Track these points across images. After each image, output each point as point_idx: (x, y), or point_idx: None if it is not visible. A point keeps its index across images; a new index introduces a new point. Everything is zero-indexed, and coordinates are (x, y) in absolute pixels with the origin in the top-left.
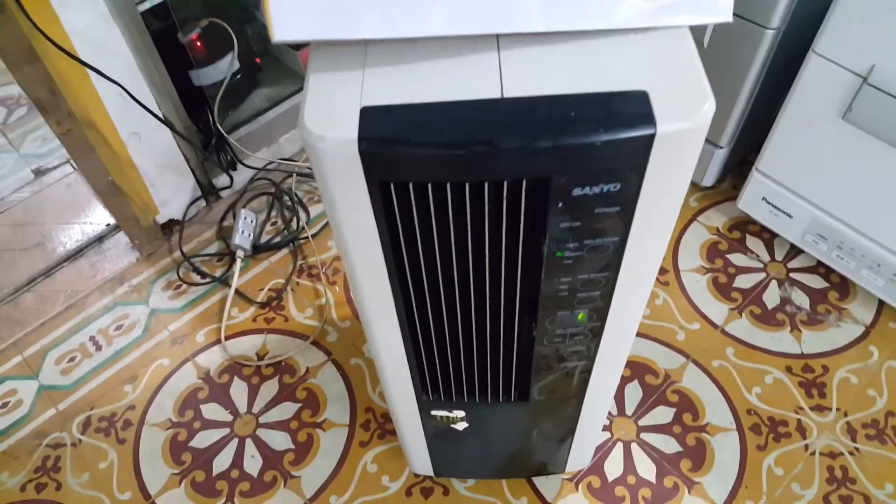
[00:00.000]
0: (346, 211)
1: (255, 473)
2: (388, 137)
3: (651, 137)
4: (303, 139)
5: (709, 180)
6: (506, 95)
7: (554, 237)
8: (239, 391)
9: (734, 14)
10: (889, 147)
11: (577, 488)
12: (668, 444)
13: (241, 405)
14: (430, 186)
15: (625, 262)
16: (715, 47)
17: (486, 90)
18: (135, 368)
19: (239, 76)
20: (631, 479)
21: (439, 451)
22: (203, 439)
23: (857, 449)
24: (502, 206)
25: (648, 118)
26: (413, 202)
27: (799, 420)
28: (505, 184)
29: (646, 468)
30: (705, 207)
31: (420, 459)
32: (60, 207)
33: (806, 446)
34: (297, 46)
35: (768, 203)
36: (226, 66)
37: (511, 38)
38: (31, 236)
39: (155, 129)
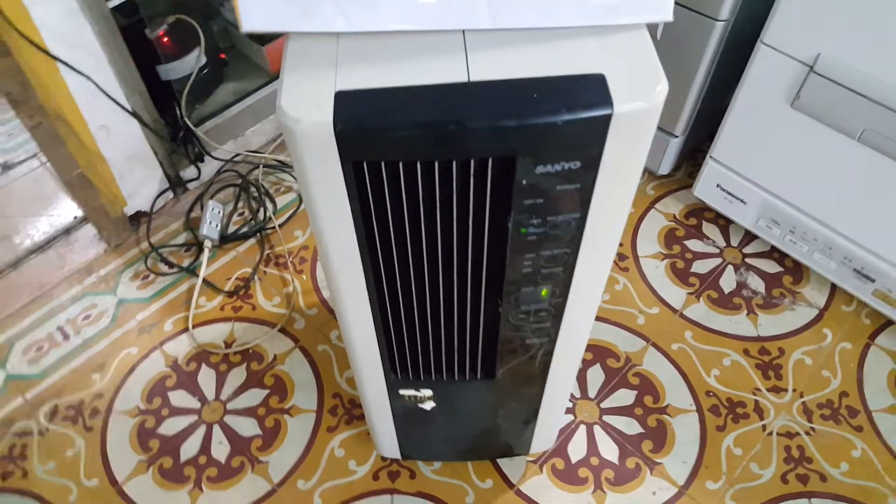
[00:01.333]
0: (320, 191)
1: (222, 459)
2: (361, 119)
3: (608, 117)
4: (280, 123)
5: (665, 168)
6: (472, 79)
7: (518, 214)
8: (207, 378)
9: (686, 7)
10: (836, 133)
11: (541, 470)
12: (630, 426)
13: (209, 392)
14: (401, 165)
15: (585, 238)
16: (668, 39)
17: (453, 75)
18: (103, 357)
19: (205, 71)
20: (594, 461)
21: (407, 433)
22: (171, 426)
23: (812, 429)
24: (470, 184)
25: (606, 99)
26: (385, 181)
27: (756, 401)
28: (472, 162)
29: (608, 450)
30: (662, 195)
31: (388, 442)
32: (27, 200)
33: (764, 426)
34: (263, 41)
35: (722, 189)
36: (192, 61)
37: (476, 31)
38: None
39: (123, 122)
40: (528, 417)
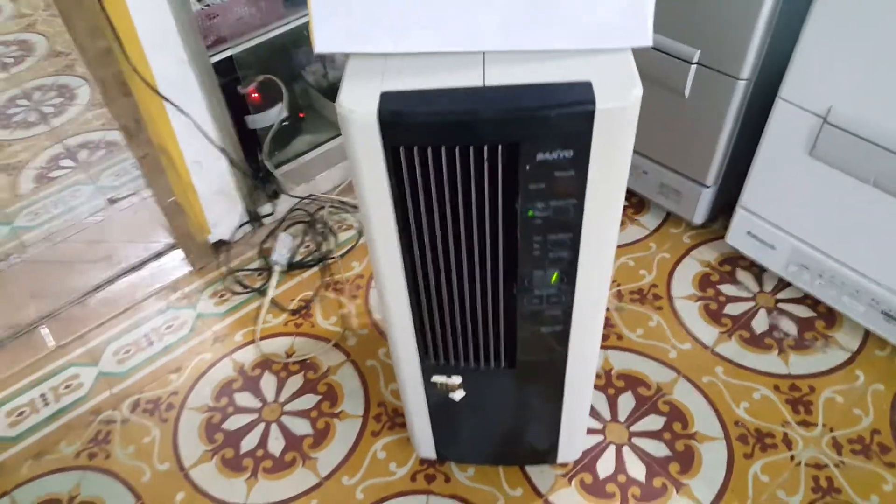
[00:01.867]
0: (367, 171)
1: (277, 454)
2: (399, 110)
3: (592, 112)
4: (339, 115)
5: (699, 218)
6: (487, 84)
7: (525, 197)
8: (268, 383)
9: (710, 68)
10: (852, 179)
11: (569, 482)
12: (658, 449)
13: (270, 395)
14: (429, 151)
15: (584, 224)
16: (696, 96)
17: (472, 81)
18: (180, 361)
19: (286, 123)
20: (622, 478)
21: (441, 429)
22: (234, 422)
23: (842, 462)
24: (484, 168)
25: (590, 98)
26: (417, 165)
27: (785, 433)
28: (486, 148)
29: (636, 469)
30: (698, 244)
31: (424, 439)
32: (127, 229)
33: (792, 457)
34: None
35: (753, 236)
36: (276, 114)
37: (493, 52)
38: (100, 251)
39: (214, 160)
40: (551, 417)
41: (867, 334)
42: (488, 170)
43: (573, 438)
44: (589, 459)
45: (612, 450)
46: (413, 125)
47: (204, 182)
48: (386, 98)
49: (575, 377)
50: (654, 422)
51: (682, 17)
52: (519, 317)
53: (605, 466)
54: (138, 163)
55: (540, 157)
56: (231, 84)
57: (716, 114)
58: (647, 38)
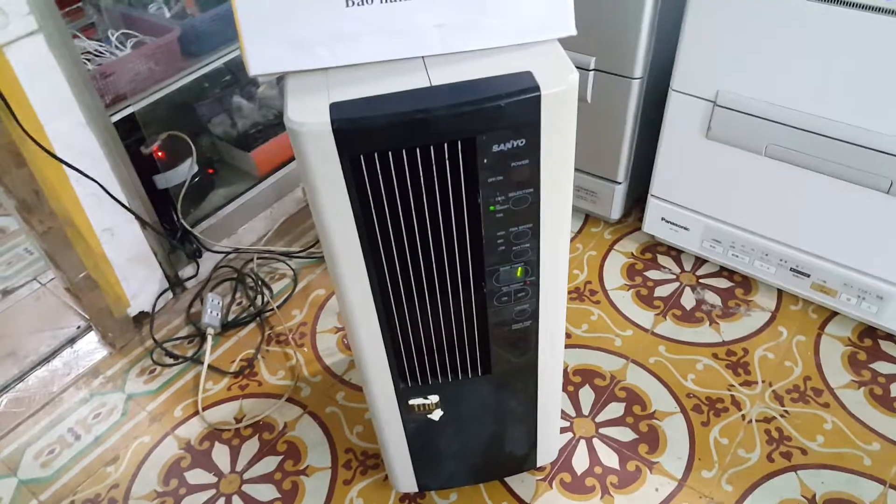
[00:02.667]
0: (323, 185)
1: None
2: (352, 117)
3: (538, 98)
4: (289, 129)
5: (615, 213)
6: (433, 84)
7: (486, 192)
8: (221, 454)
9: (607, 72)
10: (746, 153)
11: (551, 485)
12: (625, 434)
13: (225, 466)
14: (388, 155)
15: (542, 213)
16: (597, 100)
17: (418, 83)
18: (116, 450)
19: (197, 179)
20: (598, 469)
21: (420, 456)
22: (190, 503)
23: (786, 412)
24: (445, 168)
25: (535, 85)
26: (377, 171)
27: (732, 395)
28: (444, 147)
29: (609, 457)
30: (618, 238)
31: (402, 472)
32: (31, 319)
33: (743, 416)
34: (249, 148)
35: (667, 222)
36: (186, 170)
37: (432, 55)
38: (2, 348)
39: (126, 225)
40: (528, 418)
41: (780, 294)
42: (447, 168)
43: (549, 437)
44: (564, 458)
45: (583, 444)
46: (368, 130)
47: (117, 251)
48: (336, 108)
49: (546, 373)
50: (615, 409)
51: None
52: (490, 317)
53: (580, 462)
54: (40, 240)
55: (496, 148)
56: (136, 144)
57: (617, 113)
58: (570, 28)
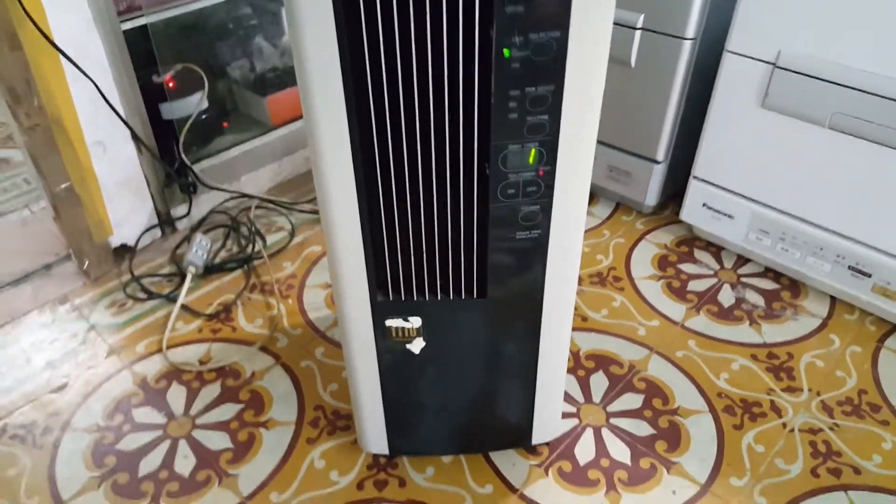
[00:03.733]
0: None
1: (186, 474)
2: None
3: None
4: None
5: (651, 199)
6: None
7: (501, 23)
8: (177, 395)
9: (655, 31)
10: (807, 124)
11: (546, 473)
12: (640, 428)
13: (178, 409)
14: None
15: (568, 75)
16: (641, 65)
17: None
18: (65, 378)
19: (206, 116)
20: (605, 462)
21: (394, 406)
22: (131, 442)
23: (836, 425)
24: None
25: None
26: None
27: (772, 401)
28: None
29: (619, 451)
30: (651, 229)
31: (373, 426)
32: (12, 241)
33: (784, 424)
34: (265, 93)
35: (709, 208)
36: (195, 103)
37: None
38: None
39: (121, 142)
40: (526, 375)
41: (833, 301)
42: None
43: (549, 409)
44: (565, 446)
45: (590, 433)
46: None
47: (107, 169)
48: None
49: (553, 313)
50: (631, 400)
51: None
52: (492, 215)
53: (584, 452)
54: (25, 136)
55: None
56: (147, 72)
57: (663, 80)
58: None
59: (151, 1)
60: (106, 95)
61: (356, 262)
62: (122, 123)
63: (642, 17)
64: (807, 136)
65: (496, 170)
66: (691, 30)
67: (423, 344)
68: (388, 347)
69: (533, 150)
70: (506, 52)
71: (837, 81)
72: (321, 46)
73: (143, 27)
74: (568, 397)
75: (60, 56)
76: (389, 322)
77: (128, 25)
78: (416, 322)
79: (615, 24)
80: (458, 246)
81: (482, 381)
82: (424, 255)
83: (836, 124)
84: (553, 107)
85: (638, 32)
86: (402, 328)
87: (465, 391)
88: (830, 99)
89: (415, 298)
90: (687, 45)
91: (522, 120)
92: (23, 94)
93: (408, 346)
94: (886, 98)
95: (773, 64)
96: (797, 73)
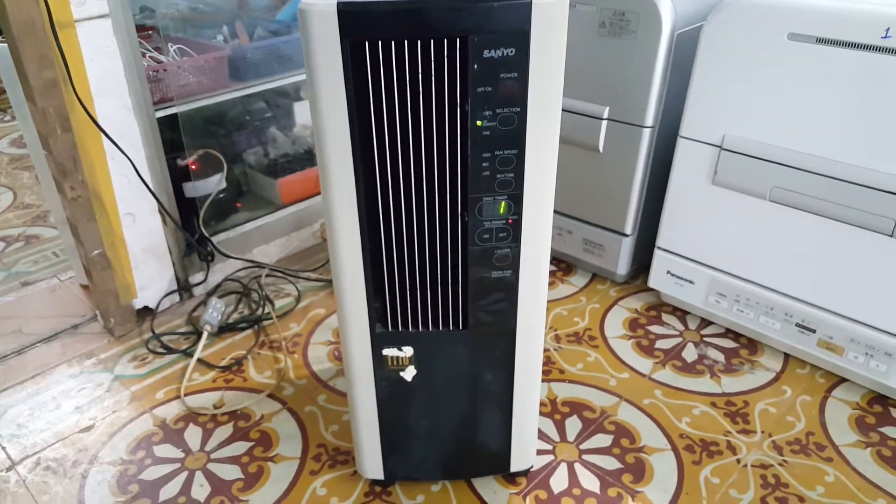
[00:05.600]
0: (323, 68)
1: (202, 499)
2: (357, 3)
3: (529, 4)
4: (300, 13)
5: (622, 269)
6: None
7: (474, 100)
8: (193, 434)
9: (619, 121)
10: (752, 198)
11: (524, 500)
12: (609, 462)
13: (194, 445)
14: (386, 44)
15: (528, 140)
16: (608, 150)
17: None
18: (92, 420)
19: (223, 195)
20: (576, 491)
21: (389, 429)
22: (152, 473)
23: (785, 461)
24: (437, 66)
25: None
26: (374, 57)
27: (728, 441)
28: (439, 43)
29: (590, 482)
30: (624, 296)
31: (371, 451)
32: (43, 305)
33: (738, 460)
34: (276, 175)
35: (672, 275)
36: (215, 183)
37: None
38: (8, 326)
39: (149, 215)
40: (503, 405)
41: (787, 357)
42: (439, 67)
43: (525, 437)
44: (541, 478)
45: (563, 467)
46: (368, 15)
47: (135, 237)
48: (343, 3)
49: (525, 343)
50: (602, 440)
51: (591, 80)
52: (471, 257)
53: (558, 482)
54: (68, 206)
55: (486, 54)
56: (172, 146)
57: (628, 163)
58: None
59: (182, 93)
60: (140, 172)
61: (359, 298)
62: (151, 197)
63: (607, 109)
64: (752, 209)
65: (474, 218)
66: (650, 119)
67: (415, 372)
68: (385, 375)
69: (503, 202)
70: (479, 122)
71: (773, 160)
72: (336, 127)
73: (174, 116)
74: (545, 437)
75: (103, 136)
76: (386, 351)
77: (161, 113)
78: (408, 351)
79: (585, 115)
80: (444, 283)
81: (466, 407)
82: (417, 290)
83: (775, 197)
84: (517, 167)
85: (604, 122)
86: (397, 357)
87: (451, 417)
88: (769, 175)
89: (409, 329)
90: (647, 132)
91: (493, 177)
92: (69, 169)
93: (401, 373)
94: (814, 173)
95: (719, 146)
96: (739, 153)
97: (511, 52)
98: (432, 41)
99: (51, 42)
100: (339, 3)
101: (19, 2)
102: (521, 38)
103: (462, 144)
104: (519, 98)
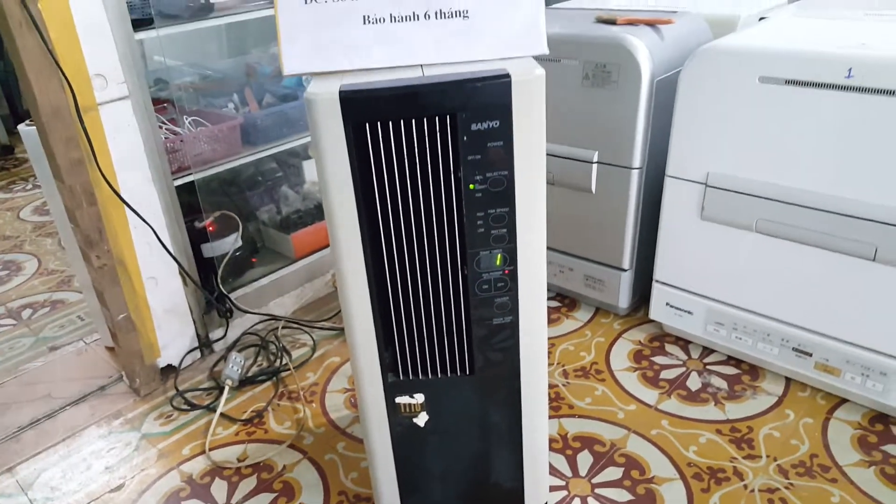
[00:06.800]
0: (329, 149)
1: None
2: (357, 90)
3: (509, 82)
4: (306, 101)
5: (624, 302)
6: (425, 75)
7: (466, 167)
8: (219, 489)
9: (609, 164)
10: (739, 230)
11: None
12: (621, 495)
13: (221, 499)
14: (385, 125)
15: (517, 199)
16: (601, 191)
17: (414, 75)
18: (122, 479)
19: (239, 253)
20: None
21: (405, 469)
22: None
23: (791, 484)
24: (431, 141)
25: (507, 74)
26: (374, 137)
27: (734, 467)
28: (431, 121)
29: None
30: (627, 329)
31: (388, 490)
32: (70, 369)
33: (745, 486)
34: (289, 231)
35: (671, 307)
36: (231, 242)
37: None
38: (38, 391)
39: (170, 278)
40: (513, 444)
41: (788, 382)
42: (433, 141)
43: (537, 473)
44: None
45: (577, 502)
46: (367, 100)
47: (158, 299)
48: (345, 87)
49: (529, 383)
50: (613, 473)
51: (580, 127)
52: (472, 307)
53: None
54: (94, 274)
55: (474, 127)
56: (190, 210)
57: (620, 202)
58: (543, 48)
59: (198, 161)
60: (161, 238)
61: (371, 351)
62: (172, 261)
63: (597, 153)
64: (740, 241)
65: (472, 271)
66: (637, 161)
67: (427, 418)
68: (399, 421)
69: (499, 255)
70: (471, 186)
71: (756, 194)
72: (342, 192)
73: (191, 183)
74: (558, 472)
75: (126, 208)
76: (399, 399)
77: (178, 182)
78: (419, 398)
79: (577, 160)
80: (449, 332)
81: (478, 447)
82: (425, 340)
83: (761, 229)
84: (509, 223)
85: (595, 165)
86: (409, 404)
87: (464, 458)
88: (753, 208)
89: (419, 377)
90: (635, 172)
91: (488, 233)
92: (95, 240)
93: (414, 420)
94: (795, 205)
95: (704, 184)
96: (724, 189)
97: (496, 123)
98: (425, 119)
99: (76, 125)
100: (340, 91)
101: (47, 89)
102: (503, 111)
103: (458, 206)
104: (506, 162)
